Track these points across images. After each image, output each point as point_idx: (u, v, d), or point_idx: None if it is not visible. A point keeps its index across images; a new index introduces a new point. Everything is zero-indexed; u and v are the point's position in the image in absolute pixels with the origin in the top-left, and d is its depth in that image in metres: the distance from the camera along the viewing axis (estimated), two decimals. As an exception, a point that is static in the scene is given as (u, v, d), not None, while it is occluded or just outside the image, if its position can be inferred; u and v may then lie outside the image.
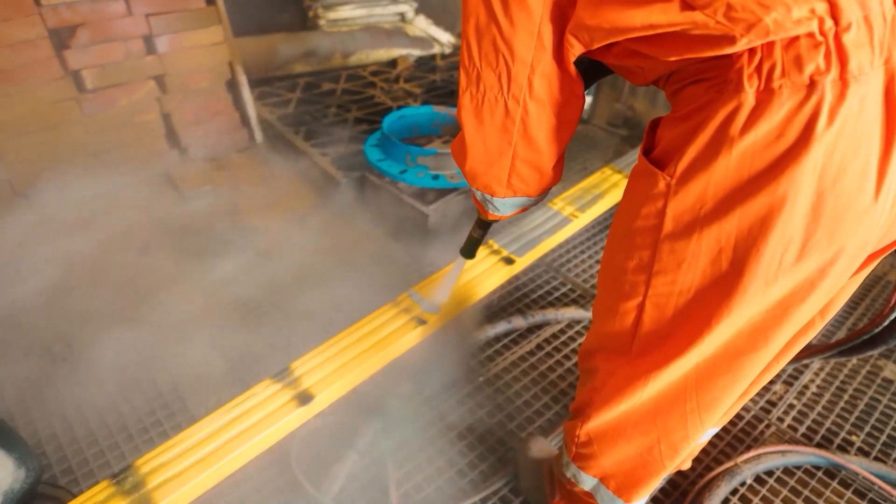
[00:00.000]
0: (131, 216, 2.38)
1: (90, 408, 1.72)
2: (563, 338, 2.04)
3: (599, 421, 1.09)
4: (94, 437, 1.65)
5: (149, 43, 2.47)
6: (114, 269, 2.15)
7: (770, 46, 0.69)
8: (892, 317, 1.23)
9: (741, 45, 0.69)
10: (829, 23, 0.67)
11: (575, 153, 2.91)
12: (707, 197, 0.78)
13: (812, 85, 0.69)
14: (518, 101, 0.91)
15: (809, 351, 1.46)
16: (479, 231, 1.49)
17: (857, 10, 0.66)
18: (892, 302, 1.22)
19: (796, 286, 0.83)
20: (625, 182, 2.35)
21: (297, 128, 2.88)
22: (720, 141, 0.74)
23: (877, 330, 1.27)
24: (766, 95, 0.71)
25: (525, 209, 1.17)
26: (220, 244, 2.28)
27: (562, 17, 0.83)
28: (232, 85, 2.78)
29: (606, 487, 1.16)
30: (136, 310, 2.00)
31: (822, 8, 0.66)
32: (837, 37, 0.67)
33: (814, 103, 0.69)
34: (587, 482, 1.19)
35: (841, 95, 0.69)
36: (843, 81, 0.68)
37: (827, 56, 0.68)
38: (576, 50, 0.85)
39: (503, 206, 1.14)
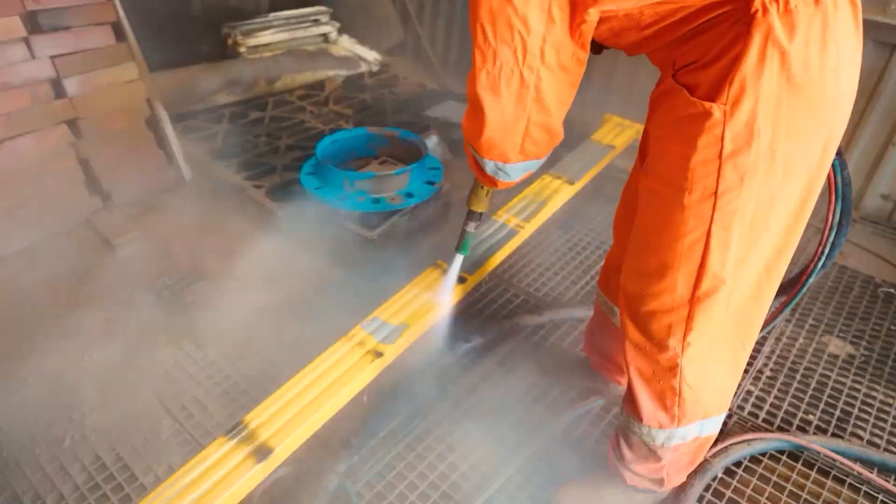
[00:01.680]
0: (54, 272, 2.22)
1: (26, 489, 1.57)
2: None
3: (696, 363, 1.19)
4: (31, 520, 1.51)
5: (57, 86, 2.32)
6: (38, 325, 1.99)
7: None
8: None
9: None
10: None
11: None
12: (758, 109, 0.93)
13: (816, 0, 0.89)
14: (532, 70, 1.05)
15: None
16: (472, 224, 1.57)
17: None
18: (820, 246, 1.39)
19: (821, 164, 1.02)
20: (565, 187, 2.38)
21: (228, 161, 2.77)
22: (765, 57, 0.90)
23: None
24: (787, 16, 0.89)
25: (530, 173, 1.32)
26: (154, 295, 2.16)
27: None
28: (152, 122, 2.65)
29: (710, 417, 1.30)
30: (71, 371, 1.86)
31: None
32: None
33: (822, 12, 0.89)
34: (691, 431, 1.31)
35: (836, 5, 0.90)
36: None
37: None
38: (590, 23, 1.00)
39: (514, 172, 1.28)
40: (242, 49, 3.59)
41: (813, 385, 1.94)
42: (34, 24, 2.21)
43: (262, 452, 1.37)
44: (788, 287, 1.48)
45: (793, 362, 2.02)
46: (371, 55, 3.90)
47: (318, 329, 1.84)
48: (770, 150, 0.97)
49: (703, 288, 1.10)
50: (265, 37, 3.70)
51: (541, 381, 1.91)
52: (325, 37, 3.95)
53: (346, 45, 3.97)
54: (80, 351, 1.93)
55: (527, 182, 2.41)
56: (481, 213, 1.54)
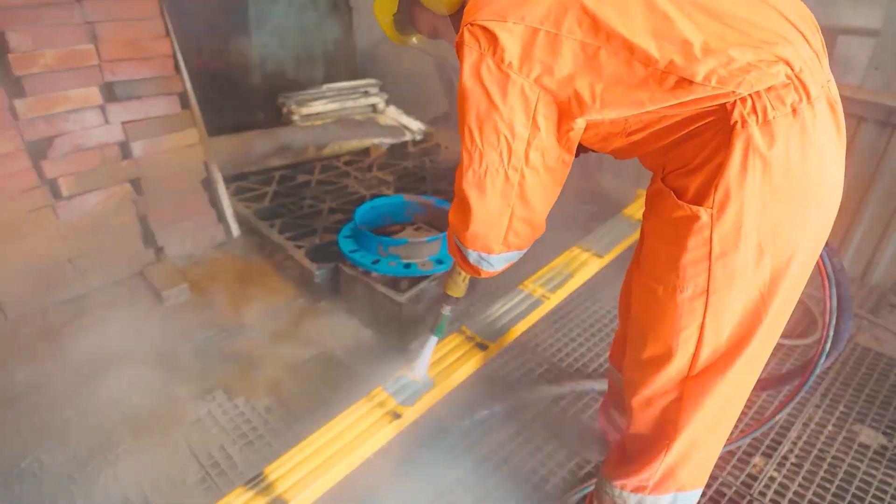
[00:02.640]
0: (105, 318, 2.38)
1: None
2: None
3: (683, 442, 1.22)
4: (61, 557, 1.59)
5: (125, 148, 2.56)
6: (85, 375, 2.13)
7: (758, 94, 0.94)
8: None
9: (737, 96, 0.93)
10: (789, 70, 0.94)
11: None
12: (743, 213, 0.99)
13: (795, 112, 0.95)
14: (517, 170, 1.12)
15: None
16: (448, 308, 1.64)
17: (798, 59, 0.95)
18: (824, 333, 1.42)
19: (808, 258, 1.07)
20: (593, 260, 2.43)
21: (273, 221, 2.94)
22: (746, 164, 0.95)
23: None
24: (765, 126, 0.95)
25: (512, 263, 1.38)
26: (195, 346, 2.28)
27: (550, 104, 1.05)
28: (207, 183, 2.86)
29: (685, 491, 1.31)
30: (110, 414, 1.97)
31: (781, 63, 0.93)
32: (798, 77, 0.94)
33: (800, 121, 0.95)
34: (663, 501, 1.32)
35: (814, 113, 0.96)
36: (811, 104, 0.96)
37: (796, 90, 0.95)
38: (577, 131, 1.08)
39: (497, 262, 1.33)
40: (296, 117, 3.84)
41: (840, 476, 1.88)
42: (110, 93, 2.46)
43: (278, 505, 1.43)
44: (801, 371, 1.49)
45: (820, 450, 1.97)
46: (416, 125, 4.11)
47: (344, 387, 1.92)
48: (758, 249, 1.01)
49: (697, 371, 1.14)
50: (317, 106, 3.95)
51: (556, 453, 1.92)
52: (373, 107, 4.19)
53: (393, 114, 4.19)
54: (120, 395, 2.05)
55: (555, 253, 2.51)
56: (458, 298, 1.61)
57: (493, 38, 1.01)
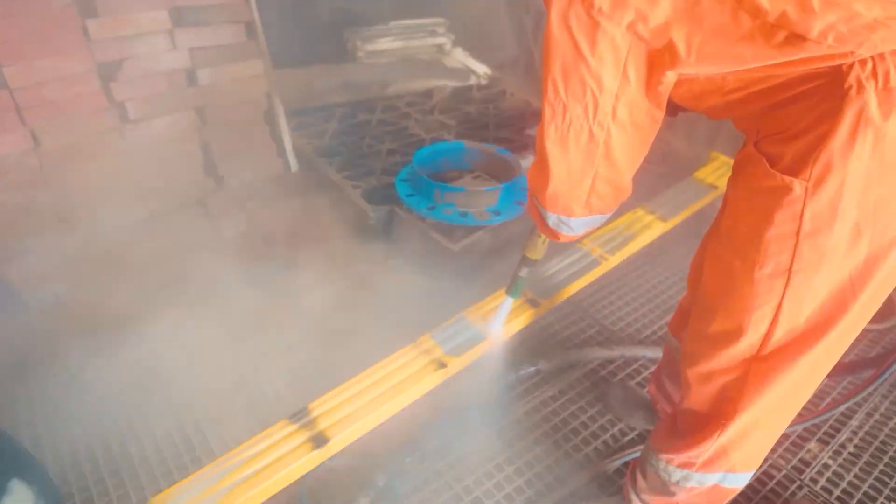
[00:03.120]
0: (166, 244, 2.44)
1: (115, 435, 1.75)
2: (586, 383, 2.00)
3: (740, 424, 1.17)
4: (116, 466, 1.68)
5: (191, 75, 2.55)
6: (145, 298, 2.20)
7: (881, 55, 0.83)
8: None
9: (856, 57, 0.83)
10: None
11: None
12: (844, 189, 0.89)
13: None
14: (603, 127, 1.03)
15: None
16: (525, 269, 1.58)
17: None
18: None
19: None
20: (657, 223, 2.32)
21: (332, 159, 2.92)
22: (856, 136, 0.86)
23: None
24: (885, 93, 0.84)
25: (595, 228, 1.30)
26: (250, 277, 2.32)
27: (641, 53, 0.94)
28: (270, 116, 2.85)
29: (735, 472, 1.27)
30: (166, 342, 2.04)
31: None
32: None
33: None
34: (710, 479, 1.28)
35: None
36: None
37: None
38: (667, 85, 0.97)
39: (578, 226, 1.25)
40: (360, 53, 3.77)
41: (902, 471, 1.78)
42: (179, 18, 2.44)
43: (320, 440, 1.45)
44: (879, 361, 1.39)
45: (882, 442, 1.86)
46: (482, 69, 3.97)
47: (392, 332, 1.92)
48: (856, 231, 0.92)
49: (768, 351, 1.07)
50: (383, 43, 3.86)
51: (600, 416, 1.89)
52: (439, 47, 4.07)
53: (459, 57, 4.06)
54: (177, 320, 2.11)
55: (617, 214, 2.40)
56: (535, 260, 1.52)
57: None
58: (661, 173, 2.99)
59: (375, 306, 2.21)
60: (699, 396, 1.23)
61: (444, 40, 4.06)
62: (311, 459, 1.43)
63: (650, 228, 2.33)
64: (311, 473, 1.47)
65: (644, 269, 2.54)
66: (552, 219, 1.25)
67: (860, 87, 0.84)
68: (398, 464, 1.71)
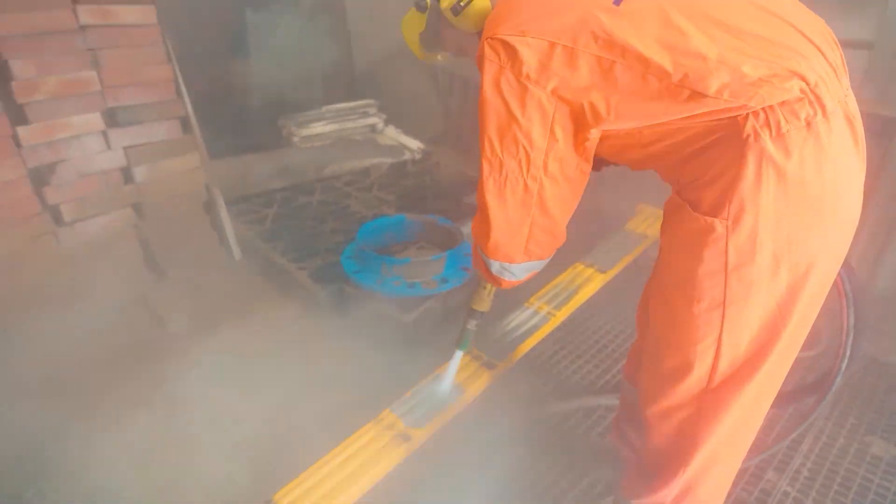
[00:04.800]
0: (108, 344, 2.36)
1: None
2: (551, 439, 2.02)
3: (700, 459, 1.22)
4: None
5: (126, 174, 2.56)
6: (88, 399, 2.11)
7: (771, 107, 0.95)
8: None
9: (749, 110, 0.95)
10: (804, 85, 0.95)
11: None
12: (759, 223, 1.00)
13: (809, 125, 0.96)
14: (536, 180, 1.15)
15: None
16: (473, 322, 1.65)
17: (813, 73, 0.96)
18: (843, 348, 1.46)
19: (828, 272, 1.08)
20: (597, 276, 2.43)
21: (275, 243, 2.93)
22: (761, 176, 0.97)
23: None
24: (779, 139, 0.96)
25: (535, 273, 1.39)
26: (198, 370, 2.26)
27: (566, 114, 1.06)
28: (209, 206, 2.86)
29: None
30: (112, 440, 1.95)
31: (795, 78, 0.95)
32: (813, 91, 0.95)
33: (814, 135, 0.96)
34: None
35: (829, 128, 0.97)
36: (826, 118, 0.96)
37: (811, 104, 0.95)
38: (592, 141, 1.09)
39: (519, 271, 1.35)
40: (296, 139, 3.85)
41: (854, 489, 1.86)
42: (112, 119, 2.47)
43: (289, 532, 1.40)
44: (818, 386, 1.49)
45: (832, 463, 1.95)
46: (414, 144, 4.12)
47: (352, 410, 1.90)
48: (774, 261, 1.02)
49: (715, 384, 1.14)
50: (317, 128, 3.97)
51: (568, 472, 1.90)
52: (372, 127, 4.21)
53: (392, 134, 4.21)
54: (125, 421, 2.02)
55: (559, 271, 2.50)
56: (482, 313, 1.63)
57: (512, 52, 1.04)
58: (594, 231, 3.14)
59: (333, 386, 2.18)
60: (660, 436, 1.28)
61: (376, 120, 4.21)
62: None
63: (591, 281, 2.44)
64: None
65: (590, 321, 2.62)
66: (495, 266, 1.34)
67: (756, 134, 0.96)
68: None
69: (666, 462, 1.27)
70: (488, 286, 1.56)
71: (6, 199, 2.23)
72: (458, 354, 1.75)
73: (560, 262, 2.48)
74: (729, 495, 1.81)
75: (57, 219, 2.40)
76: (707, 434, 1.18)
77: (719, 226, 1.02)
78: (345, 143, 3.97)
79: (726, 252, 1.03)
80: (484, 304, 1.60)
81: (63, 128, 2.33)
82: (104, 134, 2.45)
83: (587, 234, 3.07)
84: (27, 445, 1.94)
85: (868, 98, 2.63)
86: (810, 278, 1.05)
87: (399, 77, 4.34)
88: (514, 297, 2.22)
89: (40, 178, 2.33)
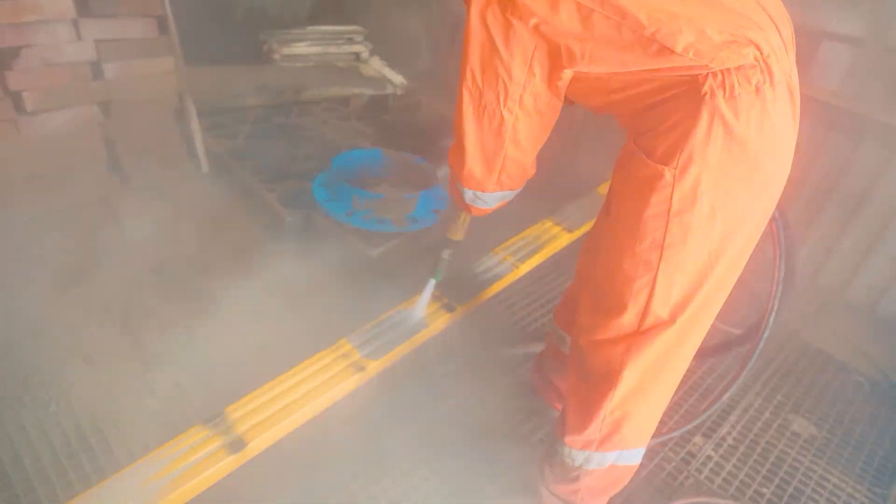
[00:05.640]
0: (64, 243, 2.31)
1: (5, 446, 1.64)
2: (499, 385, 2.09)
3: (625, 392, 1.30)
4: (7, 480, 1.57)
5: (96, 68, 2.44)
6: (41, 299, 2.07)
7: (727, 70, 1.03)
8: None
9: (709, 70, 1.02)
10: (758, 53, 1.03)
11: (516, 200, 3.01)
12: (702, 176, 1.08)
13: (758, 91, 1.04)
14: (511, 112, 1.21)
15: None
16: (448, 251, 1.71)
17: (767, 45, 1.04)
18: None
19: (754, 229, 1.18)
20: (563, 234, 2.47)
21: (246, 161, 2.87)
22: (711, 132, 1.05)
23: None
24: (731, 101, 1.04)
25: (506, 202, 1.49)
26: (156, 280, 2.24)
27: (545, 52, 1.12)
28: (180, 115, 2.76)
29: (629, 449, 1.41)
30: (65, 341, 1.94)
31: (752, 46, 1.02)
32: (765, 61, 1.04)
33: (761, 100, 1.05)
34: (608, 459, 1.41)
35: (774, 96, 1.06)
36: (773, 87, 1.05)
37: (762, 72, 1.04)
38: (564, 80, 1.15)
39: (491, 200, 1.44)
40: (276, 56, 3.72)
41: (771, 459, 2.00)
42: (84, 7, 2.33)
43: (237, 445, 1.44)
44: (743, 340, 1.61)
45: (756, 434, 2.08)
46: (398, 78, 4.03)
47: (308, 336, 1.92)
48: (711, 211, 1.11)
49: (645, 327, 1.23)
50: (300, 48, 3.83)
51: (504, 405, 1.98)
52: (356, 55, 4.09)
53: (376, 65, 4.10)
54: (77, 324, 2.01)
55: (527, 225, 2.53)
56: (457, 242, 1.69)
57: None
58: (567, 188, 3.17)
59: (291, 311, 2.20)
60: (589, 366, 1.35)
61: (362, 48, 4.08)
62: (227, 464, 1.42)
63: (557, 239, 2.47)
64: (227, 479, 1.46)
65: (551, 275, 2.68)
66: (468, 194, 1.43)
67: (712, 93, 1.04)
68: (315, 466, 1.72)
69: (592, 393, 1.35)
70: (462, 215, 1.61)
71: (-36, 78, 2.11)
72: (432, 283, 1.81)
73: (529, 216, 2.52)
74: (656, 454, 1.93)
75: (18, 106, 2.28)
76: (632, 369, 1.27)
77: (668, 173, 1.10)
78: (327, 68, 3.86)
79: (671, 198, 1.11)
80: (459, 233, 1.65)
81: (31, 9, 2.19)
82: (75, 22, 2.31)
83: (560, 192, 3.11)
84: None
85: (846, 94, 2.69)
86: (741, 230, 1.15)
87: (390, 7, 4.19)
88: (482, 245, 2.25)
89: (3, 61, 2.20)
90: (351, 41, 4.08)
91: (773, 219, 1.60)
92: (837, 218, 2.75)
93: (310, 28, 3.94)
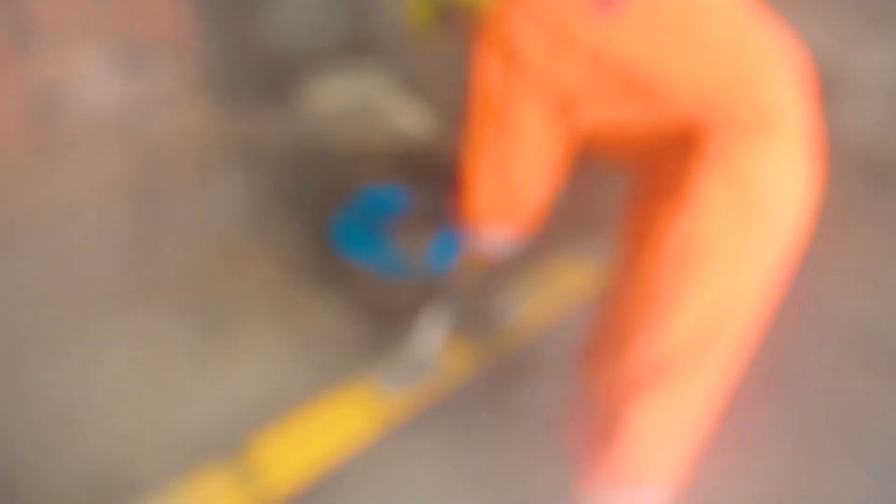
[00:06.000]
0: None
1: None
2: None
3: (634, 434, 1.25)
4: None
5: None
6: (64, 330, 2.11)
7: (726, 115, 1.04)
8: None
9: (706, 122, 1.04)
10: (758, 98, 1.03)
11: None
12: (701, 218, 1.08)
13: (759, 136, 1.04)
14: (517, 158, 1.23)
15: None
16: (458, 299, 1.74)
17: (772, 89, 1.05)
18: None
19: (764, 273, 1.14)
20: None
21: (275, 209, 2.90)
22: (710, 175, 1.06)
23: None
24: (732, 147, 1.05)
25: (516, 246, 1.48)
26: (181, 320, 2.27)
27: (549, 105, 1.14)
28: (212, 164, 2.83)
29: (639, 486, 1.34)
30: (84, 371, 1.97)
31: (751, 90, 1.03)
32: (767, 104, 1.04)
33: (762, 146, 1.05)
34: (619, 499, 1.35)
35: (779, 142, 1.05)
36: (777, 132, 1.05)
37: (762, 117, 1.03)
38: (570, 132, 1.17)
39: (500, 246, 1.44)
40: (307, 102, 3.79)
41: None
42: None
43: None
44: None
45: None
46: (419, 116, 4.06)
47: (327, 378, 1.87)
48: (712, 254, 1.10)
49: (648, 368, 1.19)
50: (331, 91, 3.90)
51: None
52: (378, 93, 4.13)
53: (397, 103, 4.12)
54: (98, 354, 2.03)
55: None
56: (470, 288, 1.72)
57: (506, 38, 1.12)
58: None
59: (311, 352, 2.19)
60: (595, 409, 1.33)
61: (383, 85, 4.12)
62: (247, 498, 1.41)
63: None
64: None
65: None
66: (477, 238, 1.44)
67: (710, 137, 1.04)
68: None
69: (600, 438, 1.31)
70: (476, 261, 1.60)
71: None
72: (443, 330, 1.81)
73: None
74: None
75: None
76: (637, 413, 1.22)
77: (666, 213, 1.10)
78: (359, 112, 3.92)
79: (672, 241, 1.11)
80: (471, 279, 1.66)
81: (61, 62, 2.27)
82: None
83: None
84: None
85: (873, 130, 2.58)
86: (748, 275, 1.13)
87: (408, 45, 4.26)
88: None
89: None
90: (385, 86, 4.13)
91: None
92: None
93: (339, 71, 4.02)
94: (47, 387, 1.91)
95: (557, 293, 2.29)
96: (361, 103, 4.02)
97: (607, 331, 1.29)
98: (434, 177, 3.35)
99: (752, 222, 1.08)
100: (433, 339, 1.82)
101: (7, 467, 1.67)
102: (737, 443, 1.75)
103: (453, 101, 4.21)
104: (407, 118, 4.02)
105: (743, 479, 1.72)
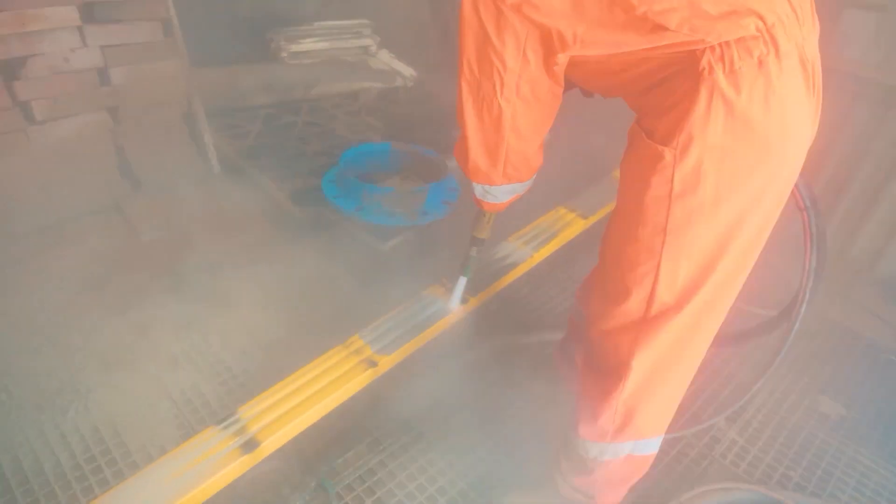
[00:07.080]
0: (79, 251, 2.33)
1: (26, 452, 1.66)
2: (516, 376, 2.06)
3: (637, 382, 1.26)
4: (28, 486, 1.59)
5: (103, 75, 2.45)
6: (57, 306, 2.10)
7: (727, 43, 0.98)
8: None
9: (706, 44, 0.98)
10: (760, 24, 0.97)
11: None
12: (704, 156, 1.03)
13: (761, 64, 0.98)
14: (509, 102, 1.18)
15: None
16: (475, 249, 1.71)
17: (772, 14, 0.98)
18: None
19: (769, 211, 1.11)
20: (578, 221, 2.43)
21: (256, 160, 2.87)
22: (710, 109, 1.00)
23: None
24: (731, 76, 0.99)
25: (518, 196, 1.47)
26: (170, 282, 2.25)
27: (537, 38, 1.09)
28: (189, 116, 2.77)
29: (644, 438, 1.36)
30: (82, 346, 1.96)
31: (753, 16, 0.97)
32: (769, 31, 0.98)
33: (765, 74, 0.99)
34: (623, 449, 1.37)
35: (780, 68, 0.99)
36: (779, 59, 0.99)
37: (765, 44, 0.98)
38: (560, 66, 1.12)
39: (501, 194, 1.42)
40: (284, 54, 3.71)
41: (799, 442, 1.95)
42: (89, 14, 2.34)
43: (250, 445, 1.43)
44: (765, 329, 1.56)
45: (782, 417, 2.03)
46: (408, 71, 4.00)
47: (321, 333, 1.92)
48: (715, 193, 1.06)
49: (652, 314, 1.18)
50: (307, 44, 3.81)
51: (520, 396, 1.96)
52: (365, 49, 4.06)
53: (385, 58, 4.07)
54: (93, 329, 2.03)
55: (542, 211, 2.49)
56: (483, 239, 1.66)
57: None
58: (582, 172, 3.12)
59: (304, 308, 2.19)
60: (598, 357, 1.32)
61: (370, 42, 4.06)
62: (241, 464, 1.41)
63: (571, 226, 2.43)
64: (242, 478, 1.46)
65: (566, 264, 2.63)
66: (478, 189, 1.42)
67: (710, 68, 0.99)
68: (330, 464, 1.71)
69: (602, 383, 1.31)
70: (487, 214, 1.59)
71: (-27, 91, 2.14)
72: (462, 280, 1.80)
73: (543, 204, 2.48)
74: (679, 439, 1.89)
75: (28, 116, 2.31)
76: (641, 358, 1.22)
77: (668, 154, 1.05)
78: (335, 64, 3.84)
79: (672, 180, 1.07)
80: (484, 231, 1.64)
81: (36, 19, 2.21)
82: (80, 30, 2.33)
83: (574, 178, 3.05)
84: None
85: (871, 64, 2.59)
86: (752, 214, 1.09)
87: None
88: (496, 234, 2.22)
89: (10, 71, 2.22)
90: (359, 35, 4.05)
91: (803, 207, 1.53)
92: (865, 190, 2.66)
93: (316, 24, 3.93)
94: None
95: (554, 237, 2.29)
96: (339, 56, 3.93)
97: (608, 277, 1.27)
98: (419, 133, 3.33)
99: (759, 157, 1.04)
100: (459, 292, 1.82)
101: (11, 443, 1.68)
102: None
103: (434, 57, 4.16)
104: (396, 67, 3.94)
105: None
